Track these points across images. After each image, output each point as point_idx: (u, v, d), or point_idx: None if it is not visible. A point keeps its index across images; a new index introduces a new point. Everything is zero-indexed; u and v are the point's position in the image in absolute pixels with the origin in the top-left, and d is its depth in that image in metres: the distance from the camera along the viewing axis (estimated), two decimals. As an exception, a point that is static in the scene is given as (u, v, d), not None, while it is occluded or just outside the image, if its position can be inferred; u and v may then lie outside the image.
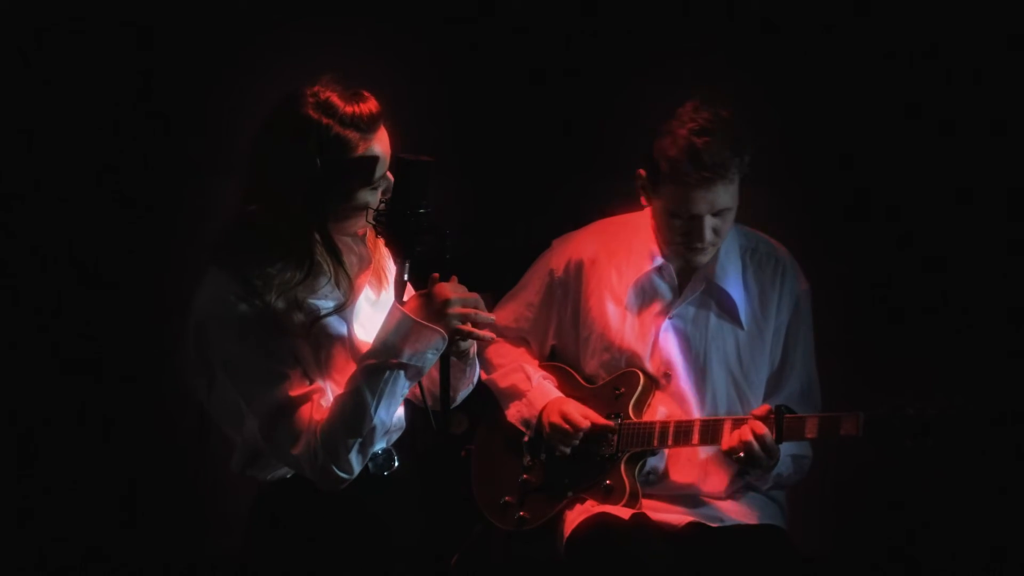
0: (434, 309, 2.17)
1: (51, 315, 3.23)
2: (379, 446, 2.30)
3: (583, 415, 2.73)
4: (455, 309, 2.17)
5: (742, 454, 2.53)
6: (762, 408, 2.57)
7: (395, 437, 2.40)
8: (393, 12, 3.26)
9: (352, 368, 2.22)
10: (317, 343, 2.23)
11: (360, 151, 2.16)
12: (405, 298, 2.21)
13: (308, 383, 2.20)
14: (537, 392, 2.81)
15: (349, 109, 2.15)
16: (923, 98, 3.16)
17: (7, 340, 3.20)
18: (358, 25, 3.18)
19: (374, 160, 2.18)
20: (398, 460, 2.34)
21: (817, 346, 2.81)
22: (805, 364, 2.78)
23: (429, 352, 2.17)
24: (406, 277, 2.18)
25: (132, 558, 3.28)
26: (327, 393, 2.22)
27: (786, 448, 2.60)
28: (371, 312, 2.35)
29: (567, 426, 2.72)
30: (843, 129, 3.24)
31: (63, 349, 3.24)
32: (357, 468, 2.18)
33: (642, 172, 2.68)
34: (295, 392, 2.16)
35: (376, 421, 2.15)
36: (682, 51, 3.25)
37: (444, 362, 2.20)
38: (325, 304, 2.25)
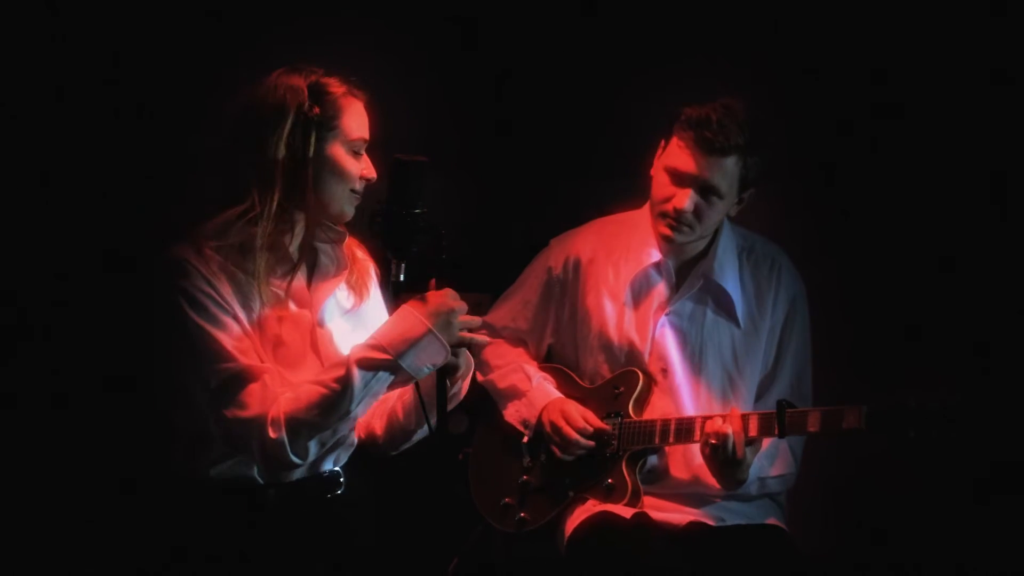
0: (441, 321, 2.16)
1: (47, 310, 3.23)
2: (325, 467, 2.29)
3: (584, 417, 2.73)
4: (459, 317, 2.18)
5: (714, 441, 2.53)
6: (735, 412, 2.56)
7: (344, 458, 2.36)
8: (393, 11, 3.27)
9: (304, 366, 2.20)
10: (277, 331, 2.20)
11: (342, 93, 2.19)
12: (397, 299, 2.20)
13: (263, 361, 2.16)
14: (537, 392, 2.81)
15: (328, 77, 2.20)
16: (924, 96, 3.16)
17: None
18: (358, 24, 3.18)
19: (359, 122, 2.20)
20: (344, 486, 2.32)
21: (817, 345, 2.81)
22: (796, 363, 2.77)
23: (427, 366, 2.17)
24: (402, 278, 2.17)
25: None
26: (279, 378, 2.16)
27: (761, 470, 2.63)
28: (340, 320, 2.33)
29: (567, 429, 2.72)
30: (842, 129, 3.24)
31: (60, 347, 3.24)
32: (312, 455, 2.15)
33: (662, 140, 2.70)
34: (250, 361, 2.13)
35: (352, 415, 2.14)
36: (682, 52, 3.26)
37: (440, 372, 2.20)
38: (289, 294, 2.23)
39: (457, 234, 2.19)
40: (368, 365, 2.14)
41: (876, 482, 3.20)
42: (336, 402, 2.12)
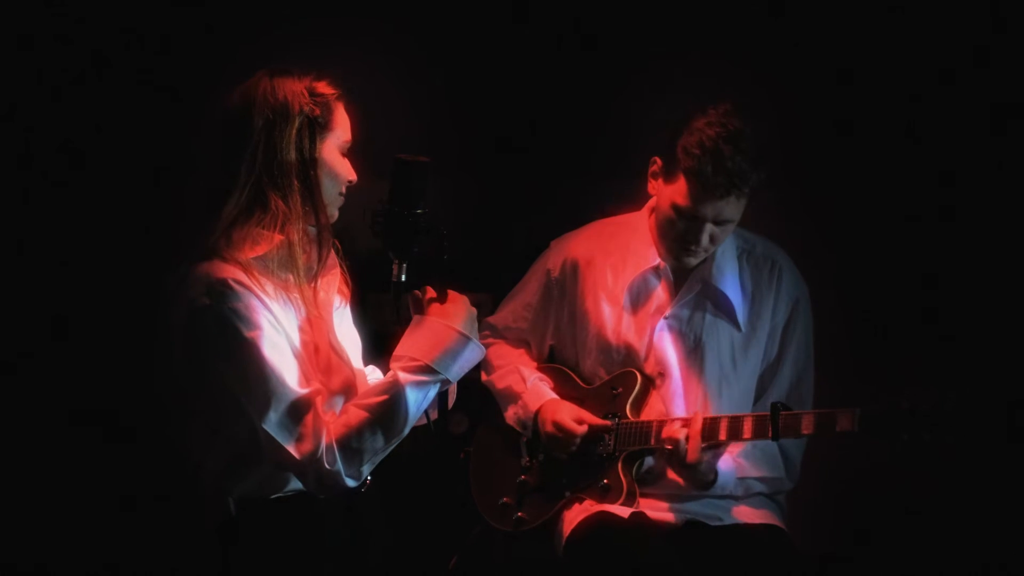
0: (474, 324, 2.18)
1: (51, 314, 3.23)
2: None
3: (577, 420, 2.73)
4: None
5: (668, 447, 2.55)
6: (697, 416, 2.56)
7: None
8: (393, 11, 3.27)
9: (334, 373, 2.17)
10: (311, 337, 2.17)
11: (334, 95, 2.17)
12: (400, 299, 2.19)
13: (313, 381, 2.12)
14: (532, 394, 2.81)
15: (317, 79, 2.18)
16: (923, 96, 3.16)
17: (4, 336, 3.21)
18: (358, 24, 3.18)
19: (345, 123, 2.19)
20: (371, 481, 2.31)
21: (815, 346, 2.81)
22: (796, 365, 2.77)
23: (469, 367, 2.18)
24: (403, 278, 2.17)
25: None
26: (326, 395, 2.14)
27: (744, 471, 2.64)
28: (337, 319, 2.30)
29: (560, 434, 2.72)
30: (842, 128, 3.24)
31: (62, 345, 3.24)
32: (364, 477, 2.12)
33: (658, 160, 2.67)
34: (300, 388, 2.07)
35: (403, 435, 2.13)
36: (682, 52, 3.26)
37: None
38: (308, 296, 2.20)
39: (457, 234, 2.18)
40: (419, 386, 2.11)
41: (876, 482, 3.20)
42: (391, 426, 2.09)
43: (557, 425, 2.73)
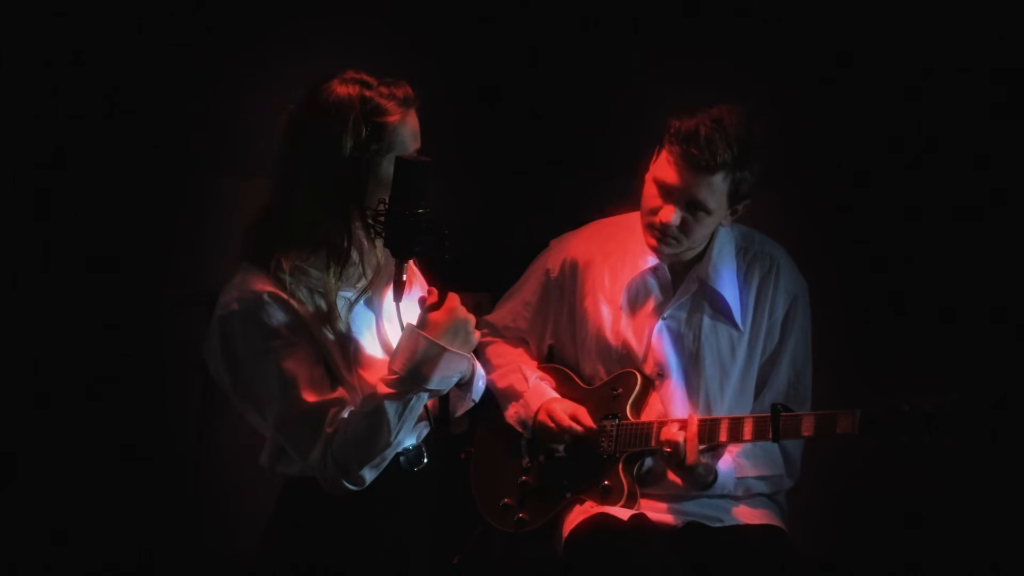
0: (463, 333, 2.18)
1: (58, 308, 3.24)
2: (409, 443, 2.31)
3: (570, 414, 2.73)
4: (474, 323, 2.20)
5: (667, 450, 2.55)
6: (692, 418, 2.57)
7: (424, 432, 2.37)
8: (393, 11, 3.27)
9: (375, 361, 2.23)
10: (347, 337, 2.23)
11: (398, 119, 2.19)
12: (402, 299, 2.20)
13: (331, 389, 2.20)
14: (533, 393, 2.81)
15: (384, 87, 2.20)
16: (923, 96, 3.16)
17: (10, 331, 3.21)
18: (358, 24, 3.18)
19: (413, 135, 2.21)
20: (427, 457, 2.34)
21: (816, 345, 2.81)
22: (795, 364, 2.76)
23: (455, 376, 2.20)
24: (404, 278, 2.18)
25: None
26: (348, 404, 2.20)
27: (742, 469, 2.64)
28: (392, 307, 2.30)
29: (551, 424, 2.73)
30: (841, 128, 3.24)
31: (68, 341, 3.25)
32: (369, 480, 2.18)
33: (657, 148, 2.67)
34: (317, 398, 2.16)
35: (394, 442, 2.16)
36: (683, 52, 3.26)
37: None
38: (351, 294, 2.26)
39: (458, 234, 2.18)
40: (398, 398, 2.15)
41: (876, 483, 3.20)
42: (377, 436, 2.14)
43: (550, 415, 2.73)
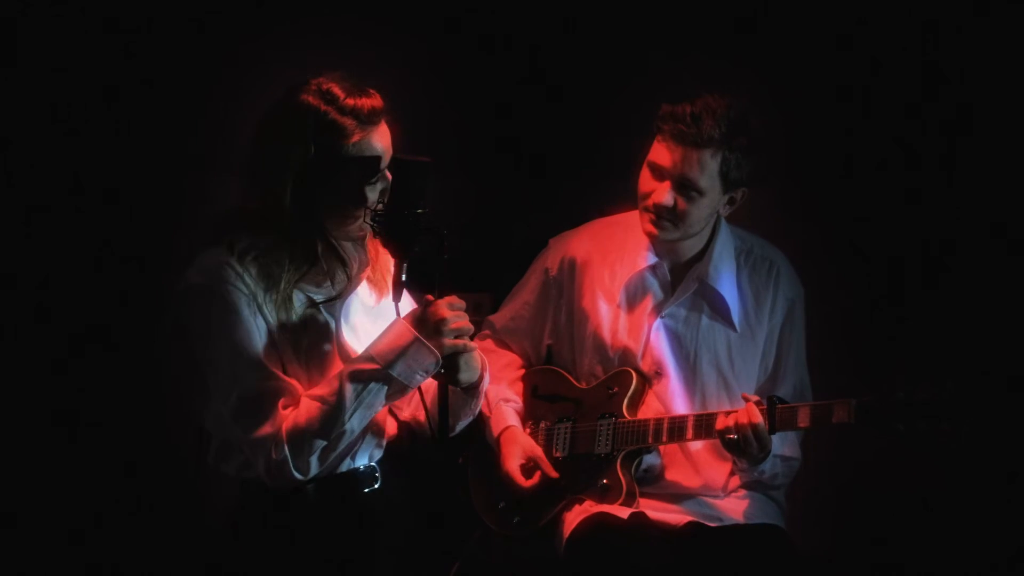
0: (429, 329, 2.18)
1: (50, 310, 3.24)
2: (360, 462, 2.32)
3: (527, 462, 2.74)
4: (450, 326, 2.19)
5: (734, 435, 2.53)
6: (754, 396, 2.56)
7: (378, 454, 2.39)
8: (393, 11, 3.27)
9: (331, 365, 2.23)
10: (302, 331, 2.23)
11: (355, 140, 2.17)
12: (402, 300, 2.21)
13: (283, 376, 2.20)
14: (495, 418, 2.82)
15: (350, 100, 2.18)
16: (922, 96, 3.16)
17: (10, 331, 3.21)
18: (359, 24, 3.18)
19: (371, 155, 2.19)
20: (380, 481, 2.35)
21: (814, 343, 2.81)
22: (798, 367, 2.78)
23: (419, 372, 2.20)
24: (404, 278, 2.18)
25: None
26: (298, 392, 2.21)
27: (775, 448, 2.61)
28: (363, 317, 2.35)
29: (507, 481, 2.74)
30: (841, 128, 3.24)
31: (59, 344, 3.25)
32: (313, 471, 2.18)
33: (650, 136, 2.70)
34: (271, 375, 2.17)
35: (347, 428, 2.16)
36: (683, 52, 3.26)
37: (443, 387, 2.22)
38: (316, 295, 2.26)
39: (457, 234, 2.19)
40: (358, 377, 2.16)
41: (875, 482, 3.20)
42: (332, 416, 2.15)
43: (505, 474, 2.74)
